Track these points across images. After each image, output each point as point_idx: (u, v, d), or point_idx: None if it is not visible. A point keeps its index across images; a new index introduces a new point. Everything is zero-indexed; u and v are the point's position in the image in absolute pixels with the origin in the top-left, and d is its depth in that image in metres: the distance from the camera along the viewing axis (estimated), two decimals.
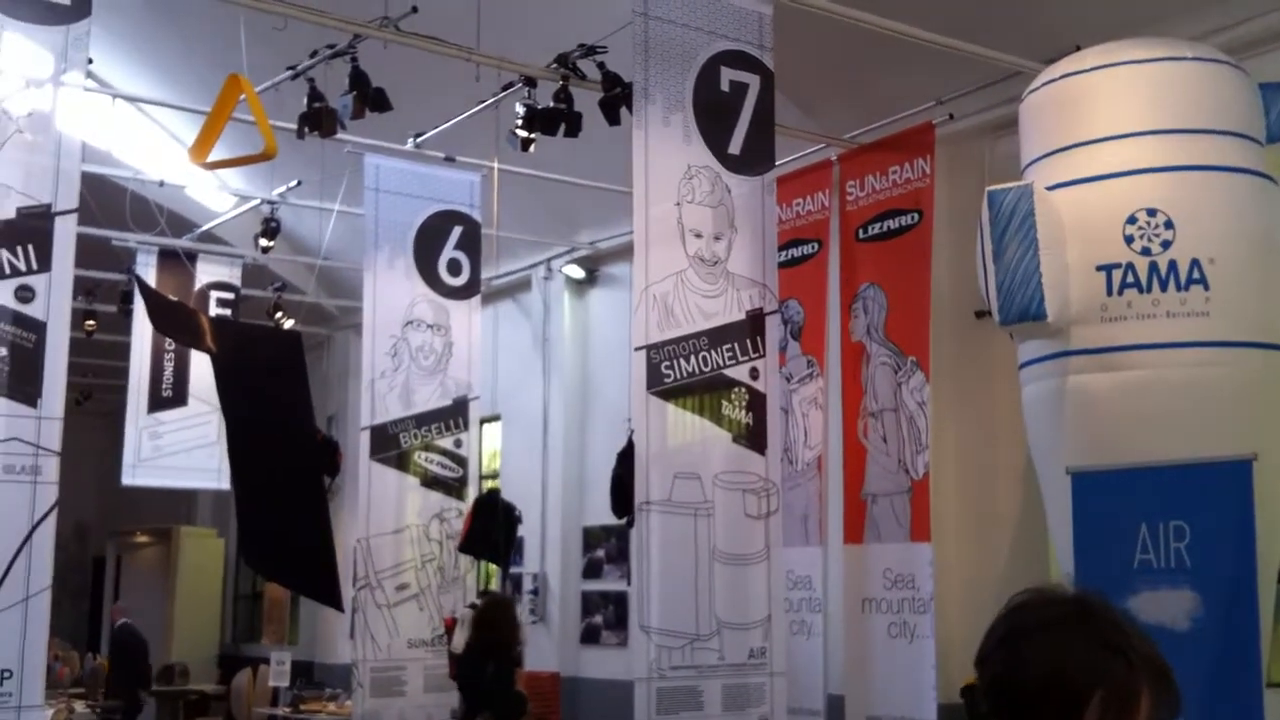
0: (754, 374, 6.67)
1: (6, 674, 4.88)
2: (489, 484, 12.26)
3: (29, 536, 4.97)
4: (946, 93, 8.32)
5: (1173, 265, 6.32)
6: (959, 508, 8.47)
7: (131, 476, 11.93)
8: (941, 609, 7.70)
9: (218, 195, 12.83)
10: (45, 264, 5.19)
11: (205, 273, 12.14)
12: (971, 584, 8.25)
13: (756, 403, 6.65)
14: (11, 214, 5.17)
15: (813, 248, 8.96)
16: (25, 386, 5.08)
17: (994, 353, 8.20)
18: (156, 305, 8.62)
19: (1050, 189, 6.59)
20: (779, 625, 6.55)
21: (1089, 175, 6.53)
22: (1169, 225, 6.32)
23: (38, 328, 5.14)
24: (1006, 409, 7.84)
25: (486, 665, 7.77)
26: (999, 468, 8.46)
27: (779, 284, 7.01)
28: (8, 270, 5.12)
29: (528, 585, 12.15)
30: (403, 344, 9.52)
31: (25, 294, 5.14)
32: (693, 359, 6.49)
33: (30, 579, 4.95)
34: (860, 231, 8.62)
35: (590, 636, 11.69)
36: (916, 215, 8.27)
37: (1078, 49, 6.98)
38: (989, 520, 8.51)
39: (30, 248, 5.17)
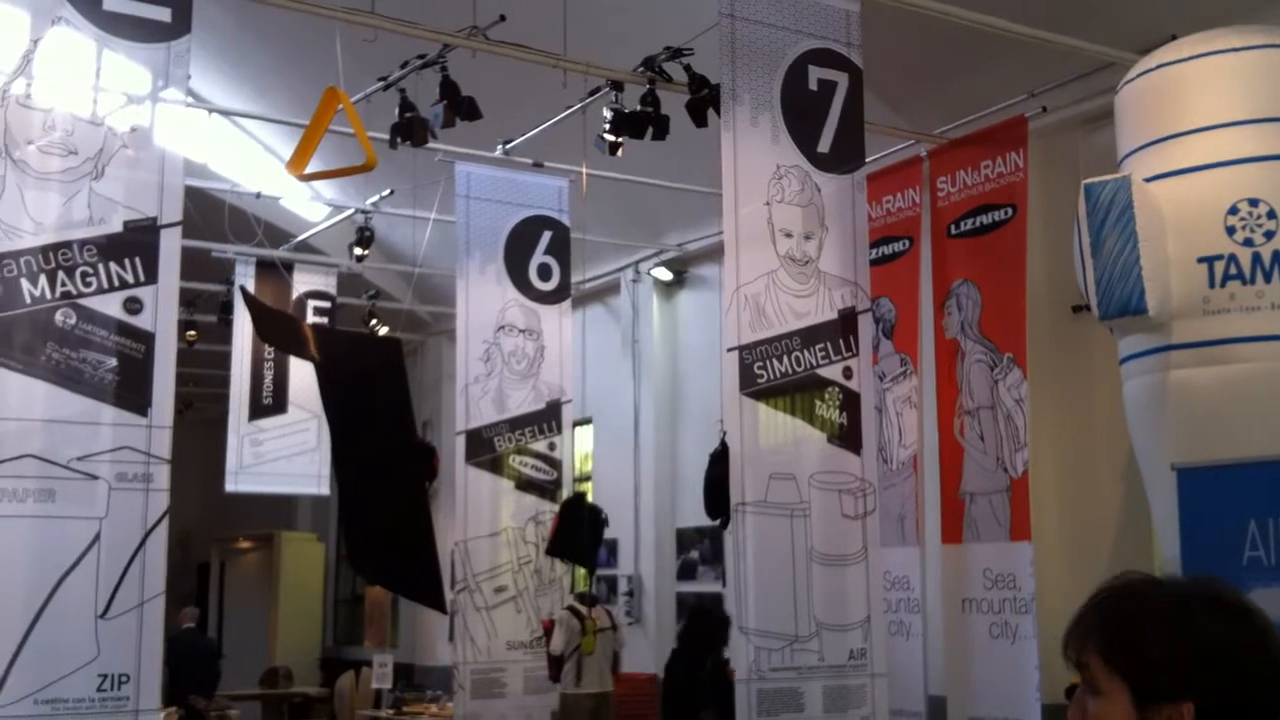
0: (847, 373, 6.63)
1: (124, 678, 5.01)
2: (580, 487, 12.32)
3: (142, 543, 5.09)
4: (1038, 85, 8.21)
5: (1276, 256, 6.18)
6: (1059, 506, 8.34)
7: (234, 483, 12.17)
8: (1043, 609, 7.59)
9: (312, 205, 13.06)
10: (152, 276, 5.31)
11: (302, 282, 12.34)
12: (1074, 584, 8.10)
13: (851, 402, 6.61)
14: (119, 228, 5.31)
15: (904, 245, 8.88)
16: (135, 396, 5.21)
17: (1092, 348, 8.07)
18: (261, 316, 8.81)
19: (1148, 181, 6.47)
20: (879, 626, 6.51)
21: (1188, 166, 6.40)
22: (1271, 215, 6.18)
23: (146, 338, 5.27)
24: (1106, 405, 7.72)
25: (705, 662, 8.01)
26: (1099, 465, 8.32)
27: (870, 282, 6.97)
28: (116, 283, 5.25)
29: (622, 587, 12.20)
30: (495, 349, 9.61)
31: (134, 305, 5.27)
32: (785, 359, 6.47)
33: (144, 585, 5.08)
34: (952, 227, 8.53)
35: None
36: (1010, 210, 8.16)
37: (1173, 38, 6.85)
38: (1090, 518, 8.36)
39: (137, 260, 5.30)
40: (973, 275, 8.31)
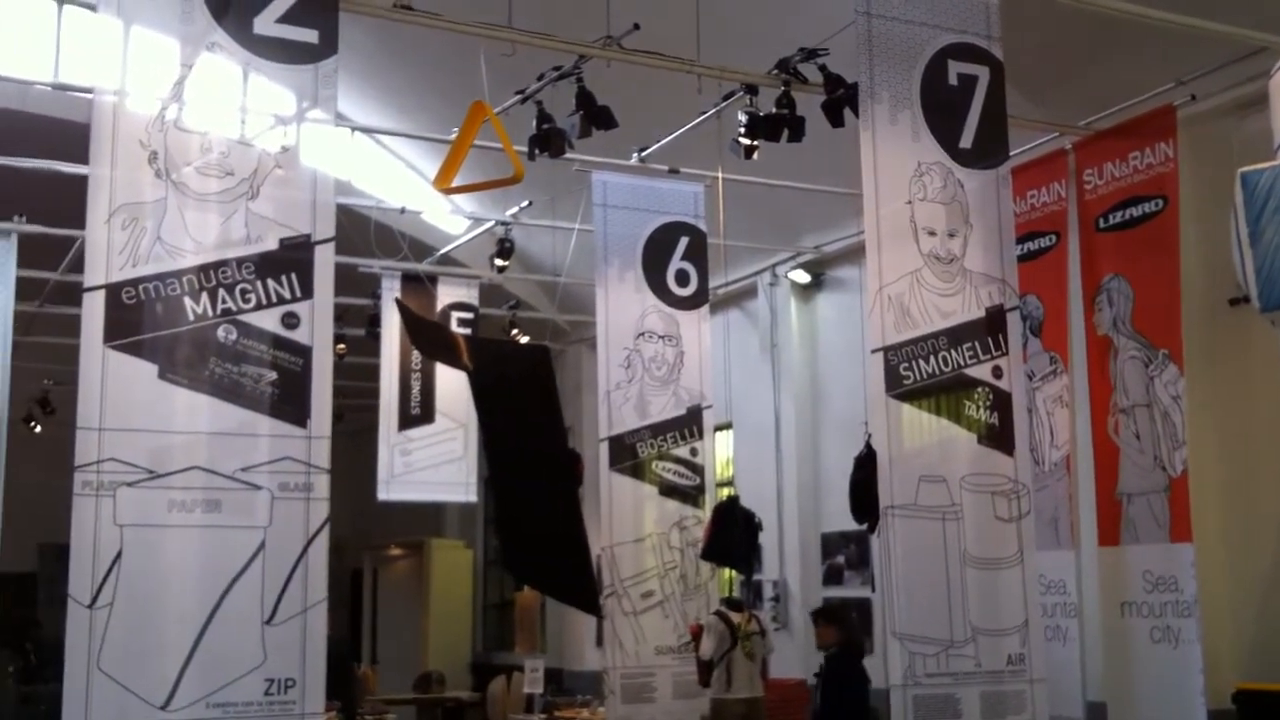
0: (997, 372, 6.52)
1: (290, 683, 5.15)
2: (724, 491, 12.29)
3: (305, 551, 5.23)
4: (1186, 72, 7.97)
5: None
6: (1221, 506, 8.06)
7: (386, 492, 12.42)
8: (1207, 612, 7.35)
9: (452, 219, 13.30)
10: (308, 291, 5.47)
11: (445, 294, 12.56)
12: (1238, 585, 7.86)
13: (1001, 402, 6.50)
14: (274, 245, 5.47)
15: (1050, 240, 8.70)
16: (294, 408, 5.35)
17: (1252, 341, 7.81)
18: (416, 327, 9.03)
19: None
20: (1036, 631, 6.38)
21: None
22: None
23: (304, 352, 5.42)
24: (1268, 399, 7.47)
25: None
26: (1263, 461, 8.03)
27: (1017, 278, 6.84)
28: (274, 298, 5.42)
29: (768, 592, 12.14)
30: (635, 355, 9.67)
31: (291, 320, 5.43)
32: (932, 359, 6.40)
33: (307, 592, 5.22)
34: (1100, 221, 8.33)
35: None
36: (1161, 201, 7.94)
37: None
38: (1254, 517, 8.08)
39: (293, 276, 5.45)
40: (1124, 269, 8.10)
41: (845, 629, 8.84)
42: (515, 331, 13.43)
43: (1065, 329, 8.52)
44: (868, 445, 6.84)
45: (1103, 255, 8.29)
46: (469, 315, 12.55)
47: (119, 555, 4.96)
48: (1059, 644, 8.09)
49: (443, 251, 13.01)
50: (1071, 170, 8.61)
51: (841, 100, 7.52)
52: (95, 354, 5.10)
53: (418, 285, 12.41)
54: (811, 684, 8.78)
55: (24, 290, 10.70)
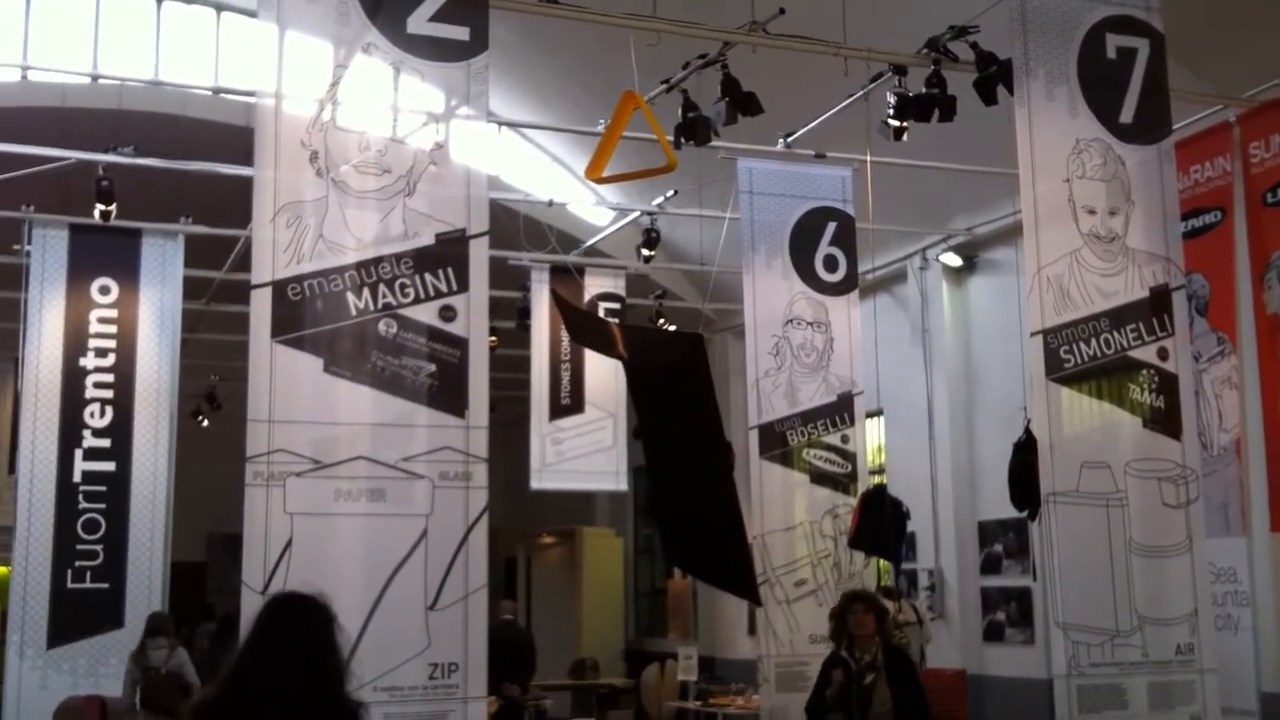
0: (1162, 354, 6.33)
1: (453, 667, 5.27)
2: (875, 479, 12.16)
3: (465, 538, 5.35)
4: None
5: None
6: None
7: (538, 481, 12.58)
8: None
9: (597, 210, 13.40)
10: (464, 285, 5.58)
11: (593, 285, 12.65)
12: None
13: (1167, 384, 6.31)
14: (430, 241, 5.60)
15: (1215, 216, 8.40)
16: (453, 399, 5.48)
17: None
18: (573, 318, 9.15)
19: None
20: (1206, 620, 6.20)
21: None
22: None
23: (461, 344, 5.54)
24: None
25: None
26: None
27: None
28: (431, 292, 5.54)
29: (923, 581, 11.97)
30: (784, 343, 9.62)
31: (448, 313, 5.55)
32: (1094, 342, 6.24)
33: (468, 578, 5.34)
34: (1268, 195, 8.02)
35: (993, 634, 11.38)
36: None
37: None
38: None
39: (450, 270, 5.58)
40: None
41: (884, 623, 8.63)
42: (662, 321, 13.48)
43: (1233, 308, 8.22)
44: (1027, 431, 6.71)
45: (1271, 231, 7.99)
46: (616, 305, 12.63)
47: (289, 543, 5.13)
48: (1230, 633, 7.82)
49: (589, 243, 13.12)
50: (1236, 143, 8.31)
51: (994, 77, 7.36)
52: (263, 349, 5.27)
53: (566, 277, 12.53)
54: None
55: (190, 289, 11.12)
